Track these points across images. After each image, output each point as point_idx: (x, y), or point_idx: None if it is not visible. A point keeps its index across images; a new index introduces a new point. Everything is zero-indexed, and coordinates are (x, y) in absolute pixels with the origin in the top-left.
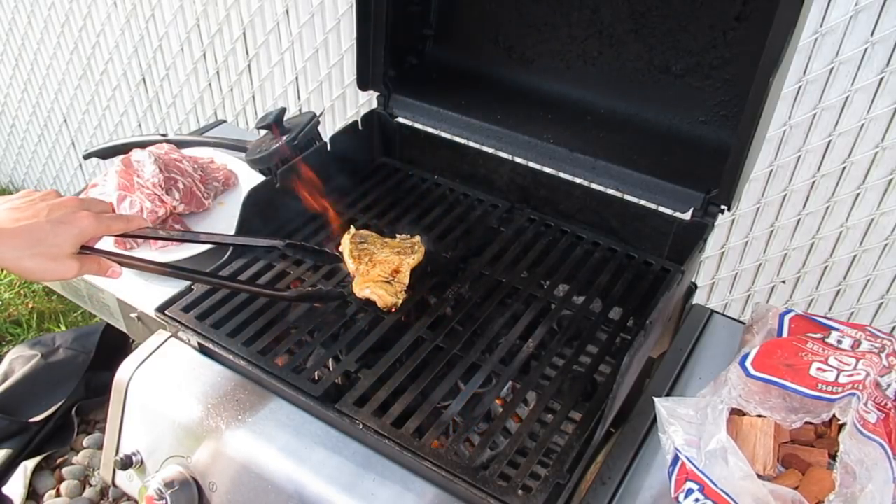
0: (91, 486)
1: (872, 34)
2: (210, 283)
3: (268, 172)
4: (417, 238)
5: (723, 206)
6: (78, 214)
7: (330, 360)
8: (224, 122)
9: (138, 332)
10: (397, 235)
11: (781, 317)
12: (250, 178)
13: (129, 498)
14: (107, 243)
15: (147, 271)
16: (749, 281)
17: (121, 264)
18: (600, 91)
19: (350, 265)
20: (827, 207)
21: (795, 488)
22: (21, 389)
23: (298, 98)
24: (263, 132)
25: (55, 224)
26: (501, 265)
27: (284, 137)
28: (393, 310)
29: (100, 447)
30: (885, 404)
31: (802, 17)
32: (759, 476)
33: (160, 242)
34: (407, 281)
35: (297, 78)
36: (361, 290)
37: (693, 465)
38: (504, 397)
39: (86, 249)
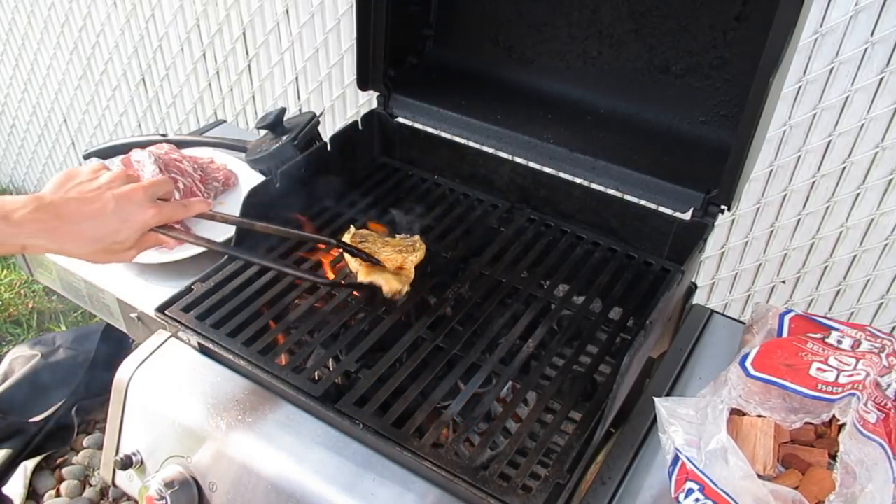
0: (91, 486)
1: (872, 34)
2: (256, 263)
3: (268, 172)
4: (417, 237)
5: (723, 206)
6: (142, 209)
7: (330, 360)
8: (224, 122)
9: (138, 332)
10: (396, 235)
11: (781, 317)
12: (250, 178)
13: (129, 498)
14: None
15: (201, 246)
16: (749, 281)
17: (175, 238)
18: (600, 91)
19: (352, 264)
20: (827, 207)
21: (795, 488)
22: (21, 389)
23: (298, 98)
24: (263, 132)
25: (121, 222)
26: (501, 265)
27: (284, 137)
28: (397, 297)
29: (100, 447)
30: (885, 404)
31: (802, 17)
32: (759, 476)
33: None
34: (412, 276)
35: (297, 78)
36: (367, 277)
37: (693, 465)
38: (504, 397)
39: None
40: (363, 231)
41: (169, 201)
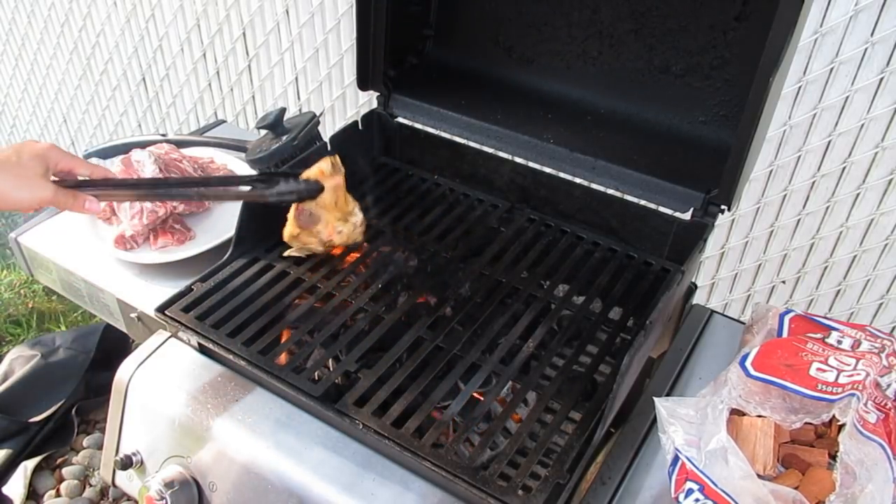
0: (91, 486)
1: (872, 34)
2: (179, 197)
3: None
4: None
5: (723, 206)
6: (42, 143)
7: (330, 360)
8: (224, 122)
9: (138, 332)
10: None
11: (781, 317)
12: None
13: (129, 498)
14: (107, 243)
15: (124, 200)
16: (749, 281)
17: (98, 197)
18: (600, 91)
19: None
20: (827, 207)
21: (795, 488)
22: (21, 389)
23: (298, 98)
24: (263, 132)
25: (20, 150)
26: (501, 265)
27: (284, 137)
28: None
29: (100, 447)
30: (885, 404)
31: (802, 17)
32: (759, 476)
33: (160, 242)
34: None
35: (297, 78)
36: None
37: (693, 464)
38: (504, 397)
39: (61, 184)
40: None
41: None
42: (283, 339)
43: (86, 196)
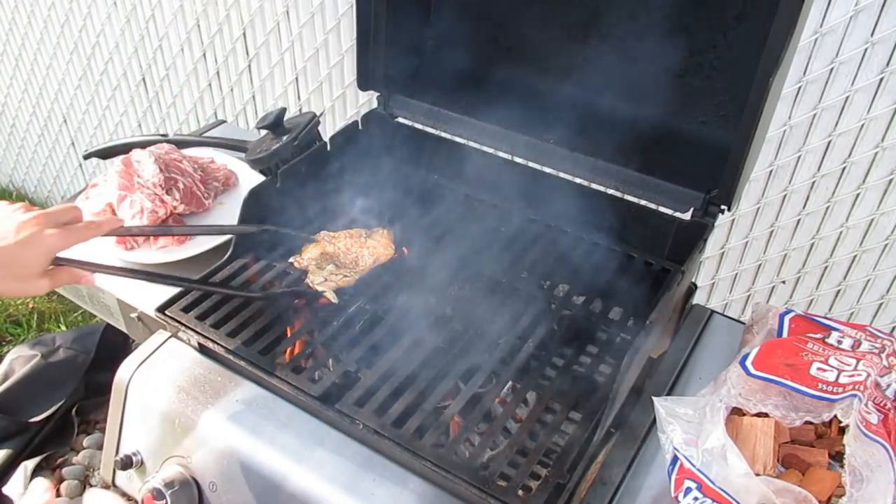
0: (91, 486)
1: (872, 34)
2: (185, 287)
3: (268, 172)
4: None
5: (723, 207)
6: (44, 234)
7: (330, 360)
8: (224, 122)
9: (138, 332)
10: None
11: (781, 317)
12: (250, 178)
13: (129, 498)
14: (108, 243)
15: (119, 275)
16: (749, 281)
17: (92, 272)
18: (600, 91)
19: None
20: (827, 207)
21: None
22: (21, 389)
23: (298, 98)
24: (263, 132)
25: (23, 246)
26: (501, 265)
27: (284, 137)
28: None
29: (100, 447)
30: (885, 404)
31: (802, 17)
32: (765, 475)
33: (161, 242)
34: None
35: (297, 78)
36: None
37: (691, 463)
38: (504, 397)
39: (58, 261)
40: (327, 233)
41: (77, 224)
42: (283, 339)
43: (82, 273)
